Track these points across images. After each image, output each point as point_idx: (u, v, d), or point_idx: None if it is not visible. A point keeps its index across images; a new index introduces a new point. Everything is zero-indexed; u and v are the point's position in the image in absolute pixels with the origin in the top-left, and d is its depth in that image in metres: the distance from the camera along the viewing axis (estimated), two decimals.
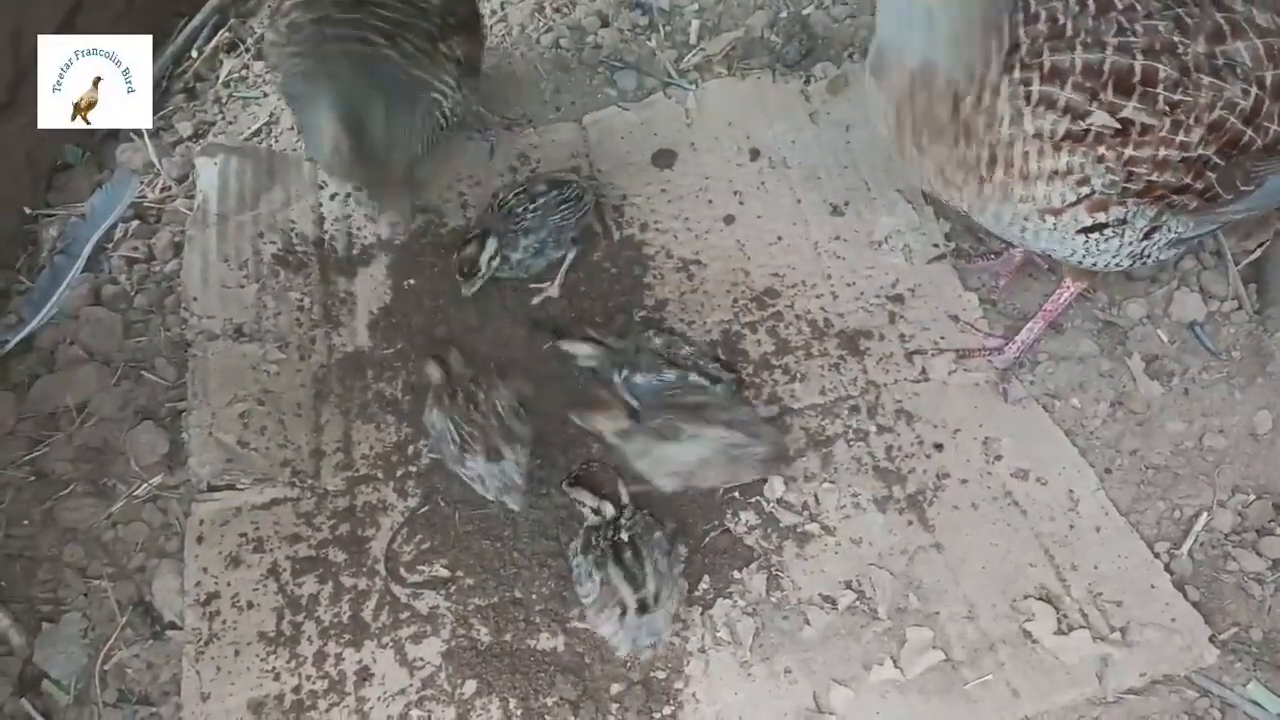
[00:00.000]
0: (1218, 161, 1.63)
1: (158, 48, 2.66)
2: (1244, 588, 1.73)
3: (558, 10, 2.67)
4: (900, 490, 1.86)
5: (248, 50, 2.68)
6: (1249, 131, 1.61)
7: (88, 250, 2.22)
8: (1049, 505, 1.81)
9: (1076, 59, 1.58)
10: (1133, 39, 1.58)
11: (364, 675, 1.68)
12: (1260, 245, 2.16)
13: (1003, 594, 1.72)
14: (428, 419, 1.87)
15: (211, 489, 1.85)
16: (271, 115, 2.53)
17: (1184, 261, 2.16)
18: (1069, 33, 1.59)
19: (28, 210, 2.34)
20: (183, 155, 2.44)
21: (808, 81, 2.41)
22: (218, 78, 2.65)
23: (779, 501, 1.85)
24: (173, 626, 1.74)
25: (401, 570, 1.79)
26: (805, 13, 2.59)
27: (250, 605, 1.74)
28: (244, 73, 2.65)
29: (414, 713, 1.65)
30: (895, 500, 1.85)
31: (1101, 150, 1.61)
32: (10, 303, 2.19)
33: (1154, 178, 1.63)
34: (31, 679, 1.71)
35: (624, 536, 1.67)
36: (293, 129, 2.49)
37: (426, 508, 1.86)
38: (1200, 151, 1.61)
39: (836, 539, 1.81)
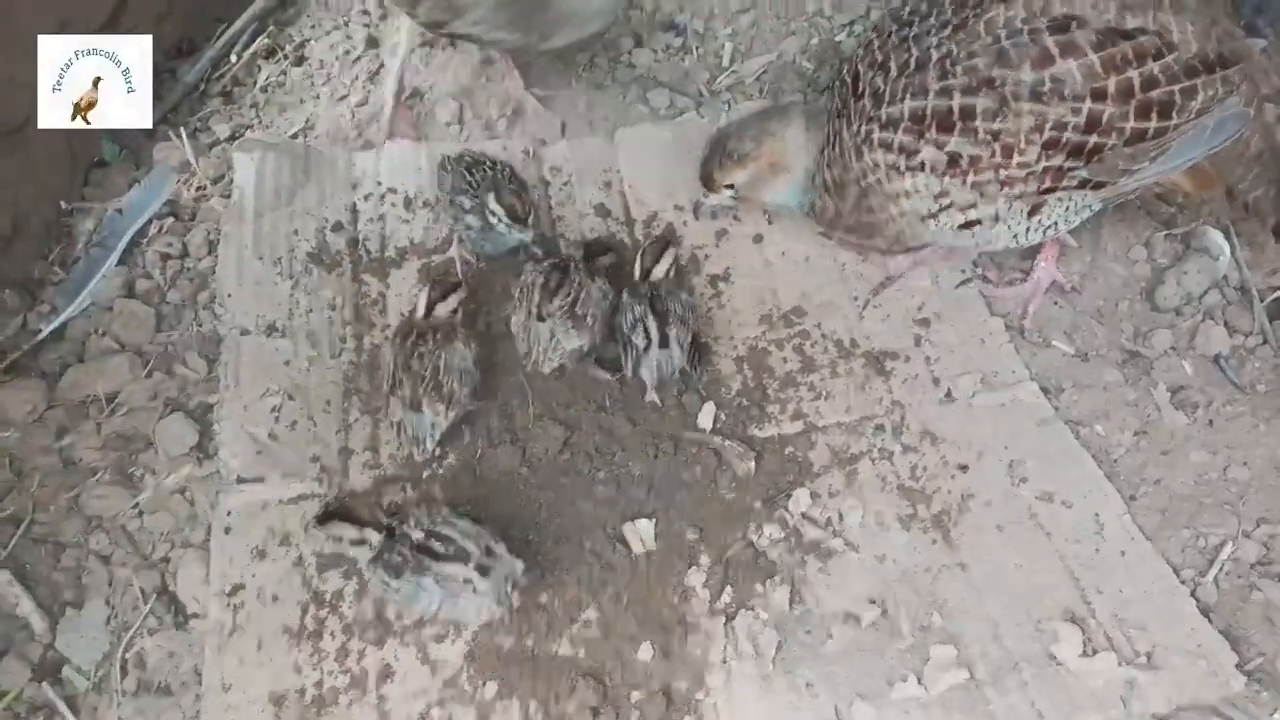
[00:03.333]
0: (1075, 165, 1.79)
1: (197, 52, 2.72)
2: (1270, 618, 1.72)
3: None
4: (925, 509, 1.86)
5: (285, 57, 2.72)
6: (1094, 138, 1.76)
7: (123, 244, 2.26)
8: (1074, 528, 1.81)
9: (904, 108, 1.81)
10: (952, 81, 1.77)
11: (386, 673, 1.67)
12: None
13: (1027, 614, 1.71)
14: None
15: (240, 481, 1.86)
16: (308, 121, 2.57)
17: (1209, 296, 2.18)
18: (892, 92, 1.83)
19: (64, 204, 2.36)
20: (219, 156, 2.47)
21: None
22: (255, 83, 2.69)
23: (803, 516, 1.85)
24: (195, 617, 1.74)
25: None
26: (838, 39, 2.64)
27: (275, 598, 1.74)
28: (281, 78, 2.69)
29: (435, 712, 1.64)
30: (919, 519, 1.85)
31: (946, 179, 1.83)
32: (44, 292, 2.21)
33: (1008, 191, 1.83)
34: (52, 664, 1.70)
35: (418, 537, 1.66)
36: (328, 135, 2.53)
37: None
38: (1046, 164, 1.79)
39: (860, 555, 1.81)
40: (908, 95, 1.80)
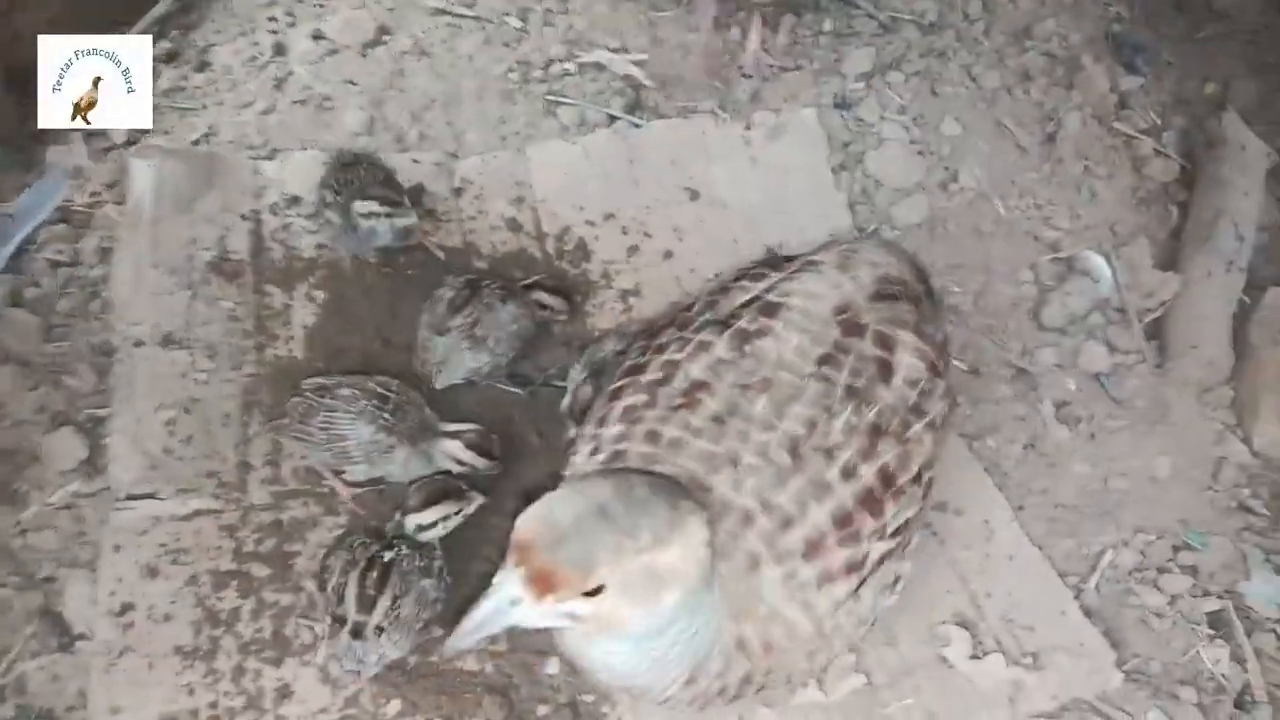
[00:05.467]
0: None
1: None
2: (1145, 621, 1.83)
3: (505, 44, 2.72)
4: None
5: (188, 63, 2.65)
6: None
7: (10, 250, 2.17)
8: (965, 535, 1.89)
9: (819, 519, 1.38)
10: (844, 453, 1.42)
11: (284, 693, 1.64)
12: (1161, 304, 2.31)
13: (921, 620, 1.78)
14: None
15: (130, 497, 1.80)
16: (210, 128, 2.51)
17: (1091, 316, 2.29)
18: (791, 510, 1.38)
19: None
20: (115, 161, 2.39)
21: (748, 127, 2.49)
22: (155, 88, 2.61)
23: None
24: (82, 638, 1.68)
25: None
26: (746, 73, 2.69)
27: (166, 618, 1.69)
28: (183, 84, 2.61)
29: None
30: None
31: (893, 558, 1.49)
32: None
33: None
34: None
35: (383, 557, 1.65)
36: (232, 142, 2.48)
37: (347, 528, 1.83)
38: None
39: None
40: (809, 502, 1.38)
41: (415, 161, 2.41)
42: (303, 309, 2.13)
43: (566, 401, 1.95)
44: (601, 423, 1.51)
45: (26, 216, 2.24)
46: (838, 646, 1.49)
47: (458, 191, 2.39)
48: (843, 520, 1.39)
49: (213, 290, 2.12)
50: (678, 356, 1.52)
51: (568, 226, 2.34)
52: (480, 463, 1.85)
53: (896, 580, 1.54)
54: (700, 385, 1.46)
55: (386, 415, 1.81)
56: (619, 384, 1.56)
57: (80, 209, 2.30)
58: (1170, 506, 2.00)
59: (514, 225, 2.34)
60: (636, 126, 2.53)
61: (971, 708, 1.68)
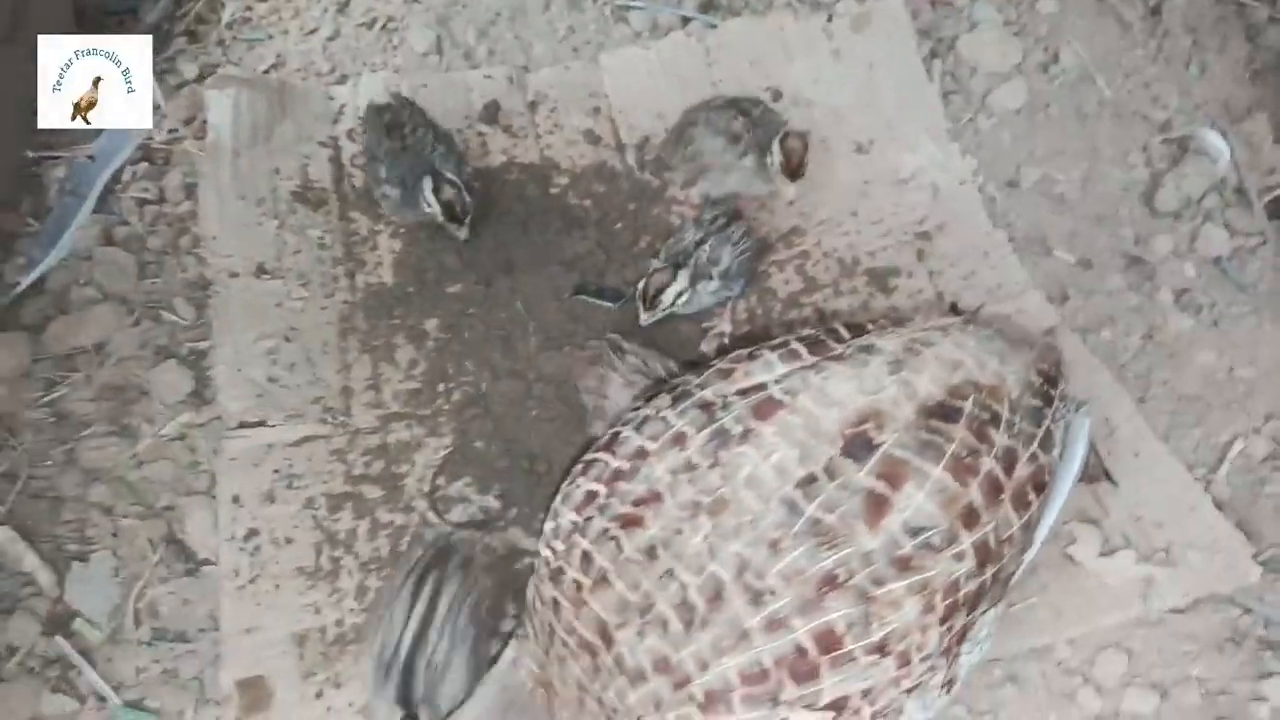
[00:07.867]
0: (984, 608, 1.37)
1: None
2: None
3: None
4: None
5: None
6: (990, 570, 1.31)
7: (97, 190, 2.18)
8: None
9: (726, 670, 1.14)
10: (776, 603, 1.15)
11: None
12: None
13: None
14: None
15: (242, 425, 1.81)
16: (278, 57, 2.47)
17: (1207, 198, 2.16)
18: (694, 657, 1.15)
19: (30, 154, 2.26)
20: (188, 97, 2.36)
21: (830, 19, 2.37)
22: (220, 20, 2.57)
23: None
24: (207, 563, 1.71)
25: (440, 505, 1.76)
26: None
27: (288, 540, 1.71)
28: (248, 14, 2.57)
29: None
30: None
31: None
32: (18, 244, 2.12)
33: (917, 685, 1.27)
34: (63, 618, 1.67)
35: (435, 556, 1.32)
36: (300, 70, 2.44)
37: (452, 448, 1.83)
38: (953, 626, 1.28)
39: None
40: (713, 656, 1.15)
41: (487, 77, 2.34)
42: (390, 234, 2.10)
43: (640, 286, 1.89)
44: (566, 494, 1.33)
45: (108, 157, 2.24)
46: None
47: (533, 106, 2.32)
48: (754, 677, 1.15)
49: (299, 219, 2.10)
50: (650, 444, 1.29)
51: (648, 136, 2.26)
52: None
53: None
54: (647, 500, 1.23)
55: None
56: (593, 453, 1.35)
57: (160, 146, 2.30)
58: None
59: (592, 138, 2.27)
60: (712, 27, 2.43)
61: (1100, 606, 1.63)
